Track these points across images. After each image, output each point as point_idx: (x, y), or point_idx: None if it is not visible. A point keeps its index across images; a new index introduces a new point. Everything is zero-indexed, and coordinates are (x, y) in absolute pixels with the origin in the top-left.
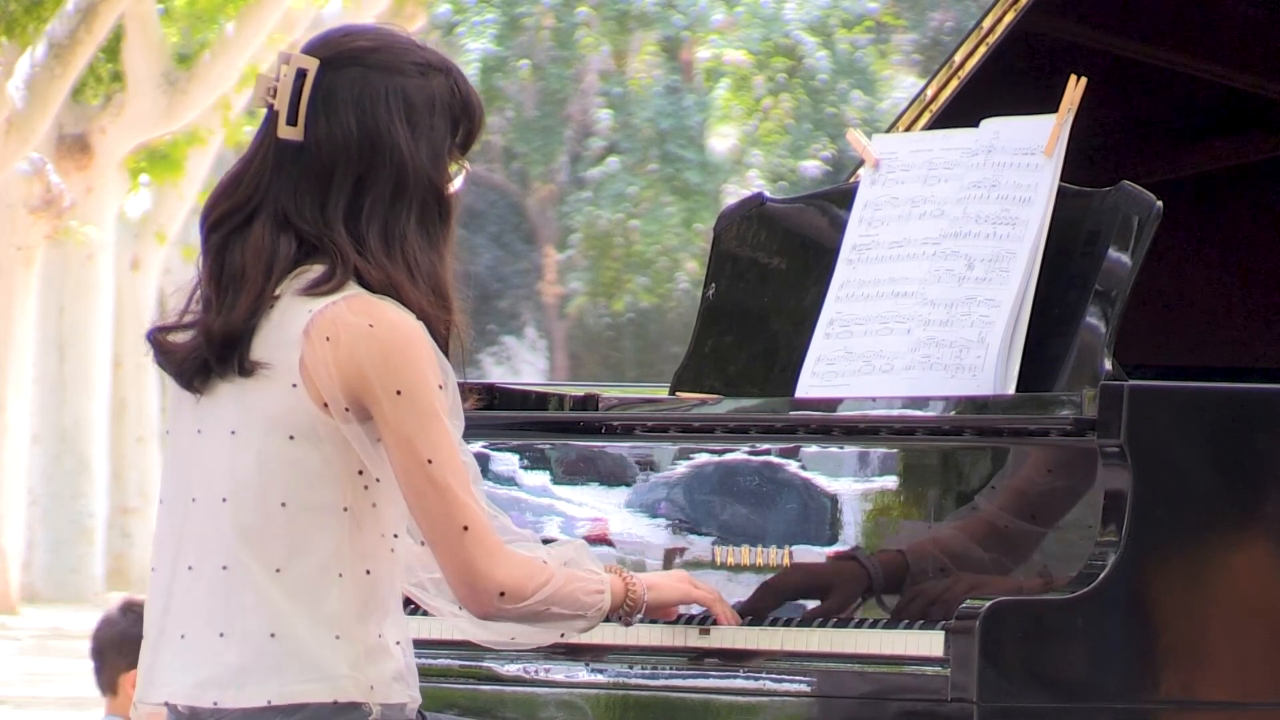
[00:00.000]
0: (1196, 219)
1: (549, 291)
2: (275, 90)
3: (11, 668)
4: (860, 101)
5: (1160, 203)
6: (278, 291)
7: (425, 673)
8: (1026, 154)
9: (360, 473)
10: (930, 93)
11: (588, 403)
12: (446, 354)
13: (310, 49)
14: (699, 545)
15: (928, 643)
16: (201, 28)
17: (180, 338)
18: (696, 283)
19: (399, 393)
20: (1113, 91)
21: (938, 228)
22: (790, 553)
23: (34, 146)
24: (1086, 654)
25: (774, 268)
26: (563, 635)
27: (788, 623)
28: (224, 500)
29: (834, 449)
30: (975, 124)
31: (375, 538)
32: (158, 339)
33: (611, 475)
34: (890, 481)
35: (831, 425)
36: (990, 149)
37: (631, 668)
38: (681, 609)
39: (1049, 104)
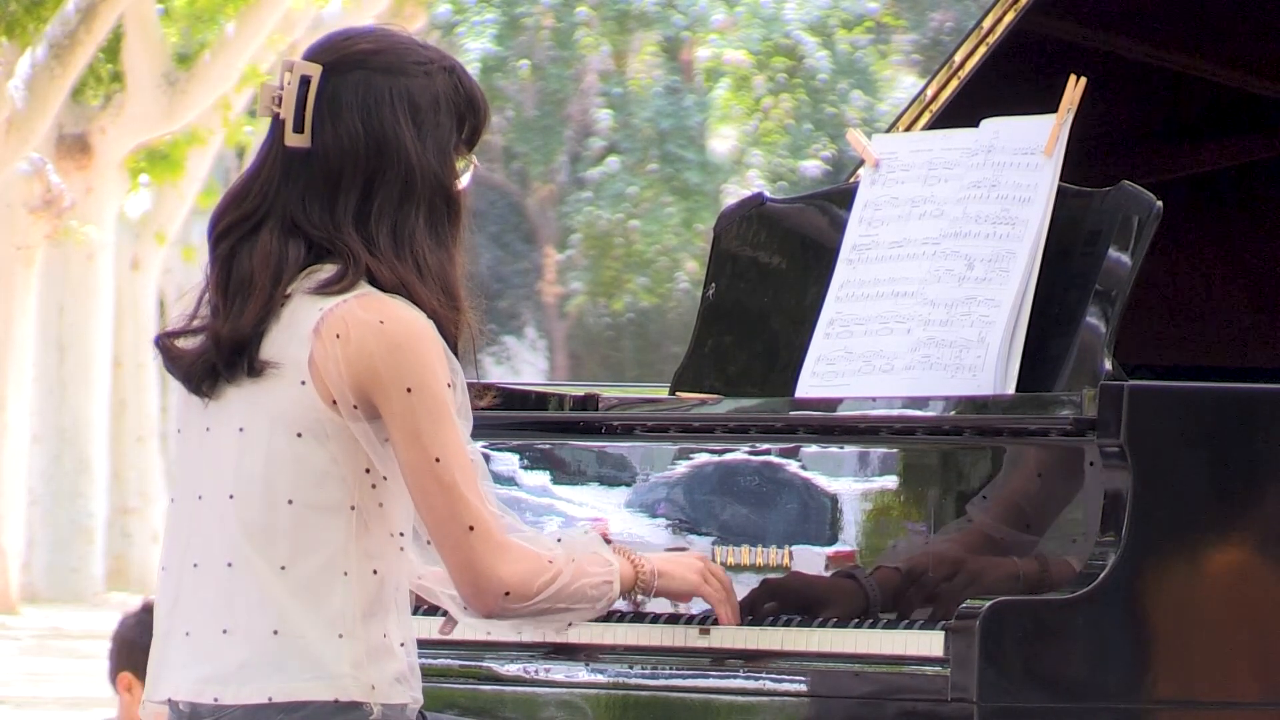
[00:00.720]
0: (1196, 219)
1: (549, 291)
2: (280, 98)
3: (11, 668)
4: (860, 101)
5: (1160, 203)
6: (288, 291)
7: (425, 673)
8: (1026, 154)
9: (367, 471)
10: (930, 93)
11: (588, 403)
12: (456, 353)
13: (313, 54)
14: (699, 545)
15: (928, 643)
16: (201, 28)
17: (188, 343)
18: (696, 283)
19: (409, 390)
20: (1113, 91)
21: (938, 228)
22: (790, 553)
23: (34, 146)
24: (1086, 654)
25: (774, 268)
26: (570, 624)
27: (788, 623)
28: (231, 497)
29: (834, 449)
30: (975, 124)
31: (383, 537)
32: (165, 344)
33: (611, 475)
34: (890, 481)
35: (831, 425)
36: (990, 149)
37: (631, 668)
38: (683, 607)
39: (1049, 104)
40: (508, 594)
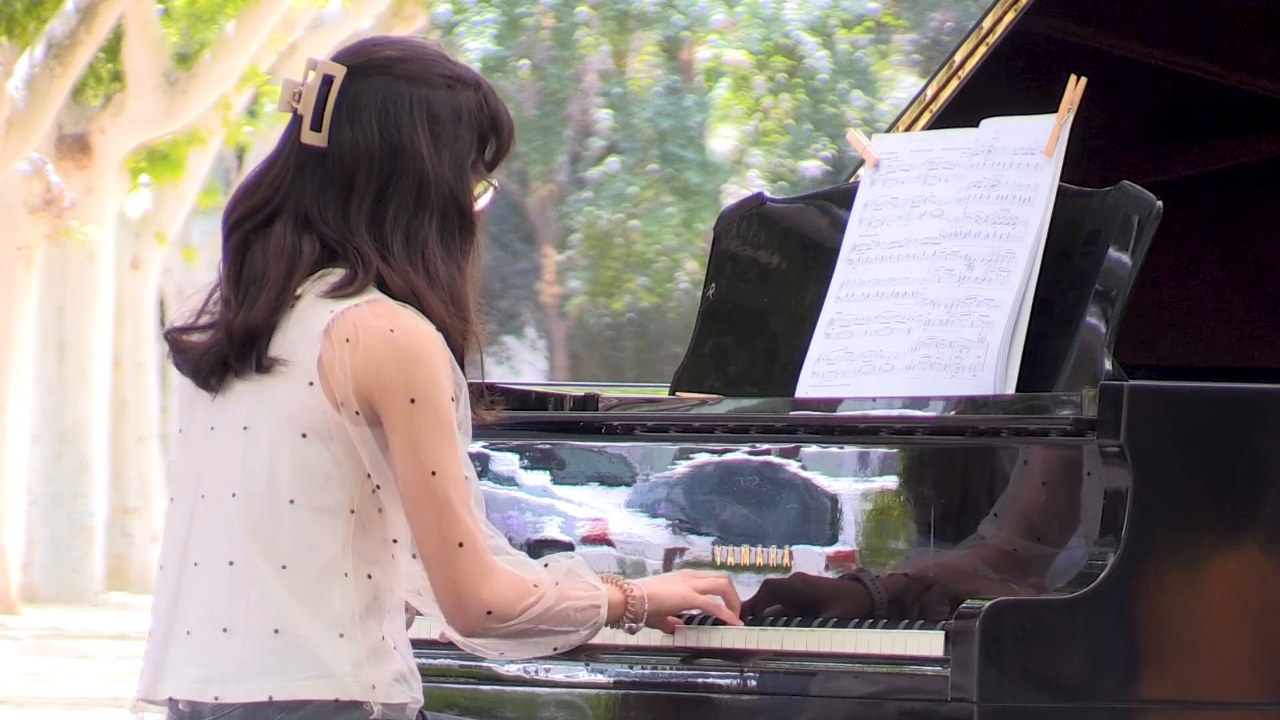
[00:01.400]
0: (1196, 219)
1: (549, 291)
2: (300, 95)
3: (11, 668)
4: (860, 101)
5: (1160, 203)
6: (299, 291)
7: (425, 673)
8: (1026, 154)
9: (369, 475)
10: (930, 93)
11: (588, 403)
12: (462, 365)
13: (340, 56)
14: (699, 545)
15: (928, 643)
16: (201, 28)
17: (198, 337)
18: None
19: (412, 401)
20: (1113, 91)
21: (938, 227)
22: (790, 553)
23: (34, 146)
24: (1086, 654)
25: (774, 268)
26: (555, 649)
27: (787, 623)
28: (233, 496)
29: (834, 449)
30: (975, 124)
31: (379, 542)
32: (175, 338)
33: (611, 475)
34: (890, 481)
35: (831, 425)
36: (990, 149)
37: (631, 668)
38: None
39: (1049, 104)
40: (490, 613)
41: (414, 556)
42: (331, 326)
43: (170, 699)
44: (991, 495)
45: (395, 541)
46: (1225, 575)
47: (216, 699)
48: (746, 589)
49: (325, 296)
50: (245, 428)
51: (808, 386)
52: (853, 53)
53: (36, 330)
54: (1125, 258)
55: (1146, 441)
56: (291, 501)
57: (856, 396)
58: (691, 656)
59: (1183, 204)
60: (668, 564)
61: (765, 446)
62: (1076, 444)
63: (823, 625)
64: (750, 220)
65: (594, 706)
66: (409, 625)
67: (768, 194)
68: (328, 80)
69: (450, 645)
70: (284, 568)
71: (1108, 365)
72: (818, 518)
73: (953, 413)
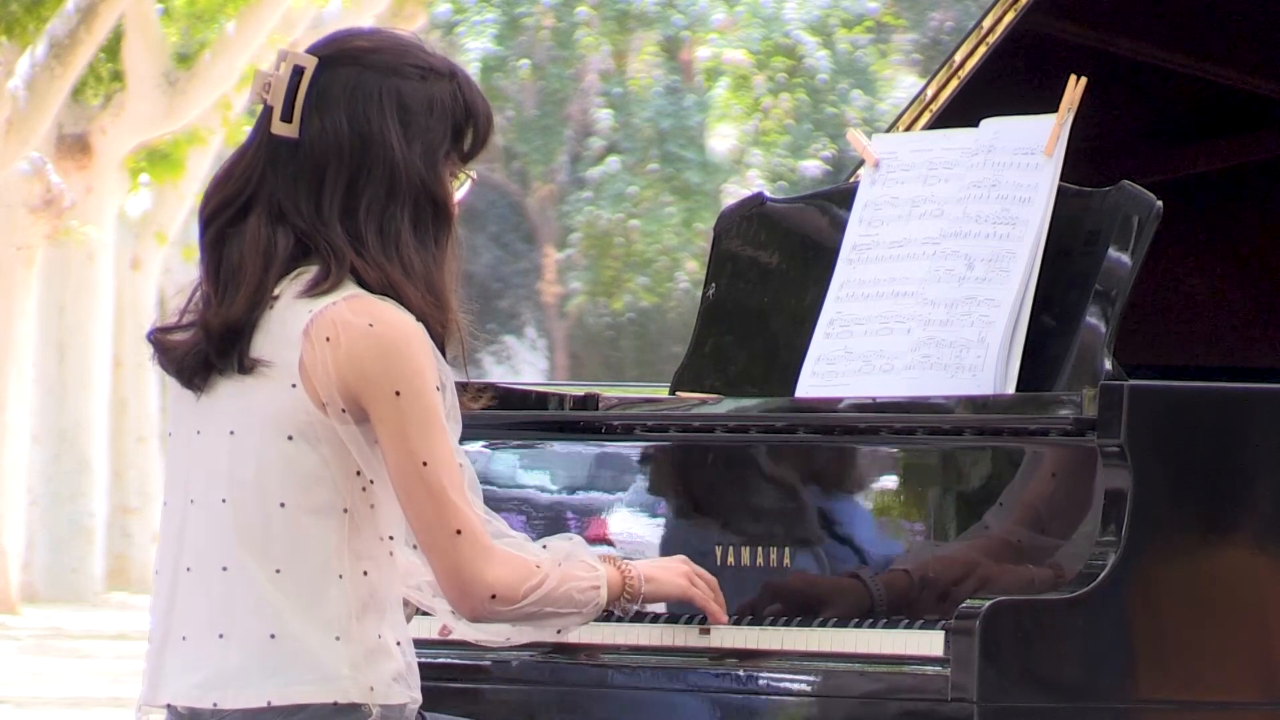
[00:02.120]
0: (1196, 219)
1: (549, 291)
2: (270, 85)
3: (11, 668)
4: (860, 101)
5: (1160, 203)
6: (276, 292)
7: (425, 672)
8: (1026, 154)
9: (359, 474)
10: (930, 93)
11: (588, 403)
12: (444, 355)
13: (311, 48)
14: (699, 545)
15: (928, 643)
16: (201, 28)
17: (180, 336)
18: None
19: (398, 393)
20: (1113, 91)
21: (938, 227)
22: (790, 553)
23: (34, 146)
24: (1086, 654)
25: (774, 268)
26: (559, 632)
27: (788, 623)
28: (223, 501)
29: (834, 449)
30: (975, 124)
31: (373, 539)
32: (159, 339)
33: (611, 475)
34: (890, 481)
35: (831, 425)
36: (990, 149)
37: (632, 668)
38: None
39: (1049, 104)
40: (494, 597)
41: (414, 548)
42: (311, 326)
43: (169, 705)
44: (991, 495)
45: (391, 538)
46: (1225, 575)
47: (215, 705)
48: (746, 589)
49: (302, 296)
50: (231, 432)
51: (808, 386)
52: (853, 53)
53: (36, 330)
54: (1125, 258)
55: (1146, 441)
56: (282, 505)
57: (856, 396)
58: (692, 656)
59: (1183, 204)
60: None
61: (765, 446)
62: (1076, 444)
63: (823, 625)
64: (750, 220)
65: (594, 706)
66: (408, 622)
67: (768, 194)
68: (298, 71)
69: (450, 644)
70: (278, 571)
71: (1108, 365)
72: (818, 518)
73: (953, 413)
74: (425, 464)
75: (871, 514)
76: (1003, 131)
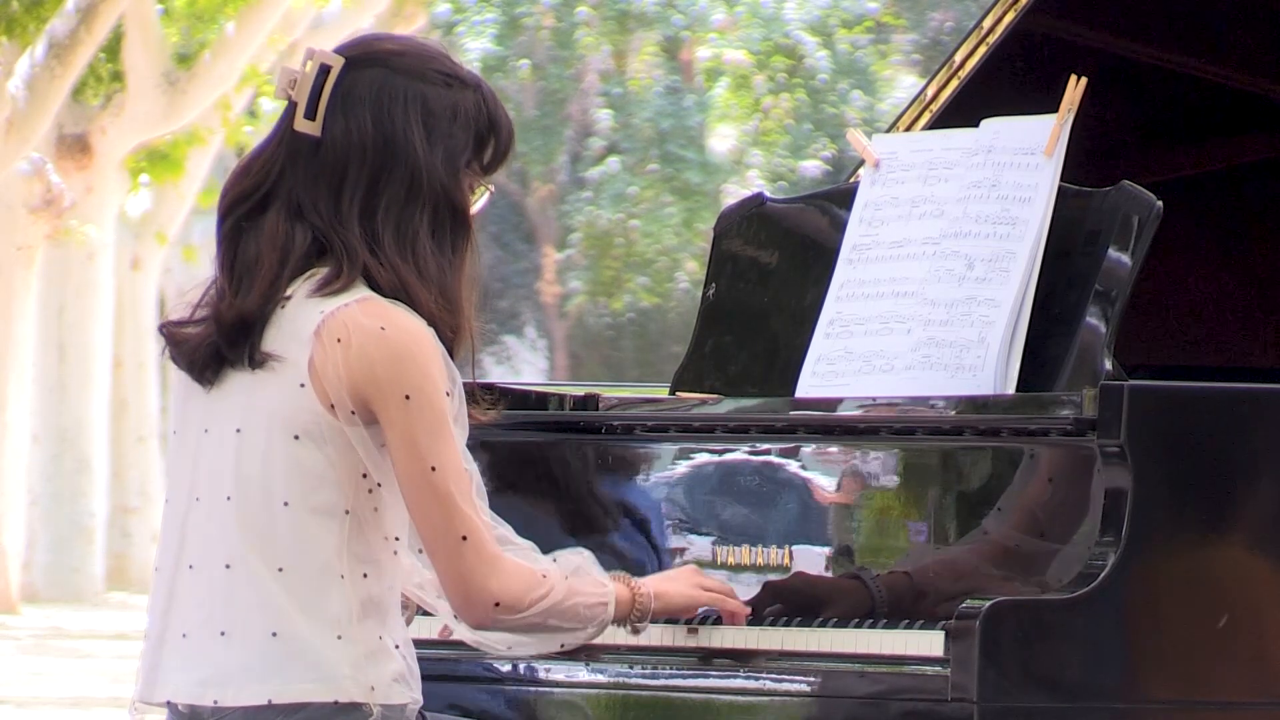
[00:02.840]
0: (1196, 219)
1: (549, 291)
2: (295, 82)
3: (11, 668)
4: (860, 101)
5: (1160, 203)
6: (289, 291)
7: (425, 673)
8: (1026, 154)
9: (364, 476)
10: (930, 93)
11: (588, 403)
12: (453, 359)
13: (338, 49)
14: (699, 545)
15: (928, 643)
16: (201, 28)
17: (192, 330)
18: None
19: (407, 397)
20: (1113, 91)
21: (938, 227)
22: (790, 553)
23: (34, 146)
24: (1086, 654)
25: (774, 268)
26: (563, 645)
27: (788, 623)
28: (228, 499)
29: (834, 449)
30: (975, 124)
31: (377, 541)
32: (170, 331)
33: (611, 475)
34: (890, 481)
35: (831, 425)
36: (990, 149)
37: (631, 668)
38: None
39: (1049, 104)
40: (498, 605)
41: (419, 552)
42: (322, 327)
43: (169, 702)
44: (991, 495)
45: (396, 539)
46: (1225, 575)
47: (215, 703)
48: (747, 589)
49: (314, 295)
50: (238, 430)
51: (808, 386)
52: (853, 53)
53: (36, 330)
54: (1125, 258)
55: (1146, 441)
56: (286, 504)
57: (856, 396)
58: (691, 656)
59: (1183, 204)
60: (668, 564)
61: (765, 446)
62: (1076, 444)
63: (823, 625)
64: (750, 220)
65: (594, 706)
66: (409, 623)
67: (768, 194)
68: (324, 70)
69: (450, 645)
70: (281, 570)
71: (1108, 365)
72: (818, 517)
73: (953, 413)
74: (433, 469)
75: (872, 514)
76: (1003, 132)
